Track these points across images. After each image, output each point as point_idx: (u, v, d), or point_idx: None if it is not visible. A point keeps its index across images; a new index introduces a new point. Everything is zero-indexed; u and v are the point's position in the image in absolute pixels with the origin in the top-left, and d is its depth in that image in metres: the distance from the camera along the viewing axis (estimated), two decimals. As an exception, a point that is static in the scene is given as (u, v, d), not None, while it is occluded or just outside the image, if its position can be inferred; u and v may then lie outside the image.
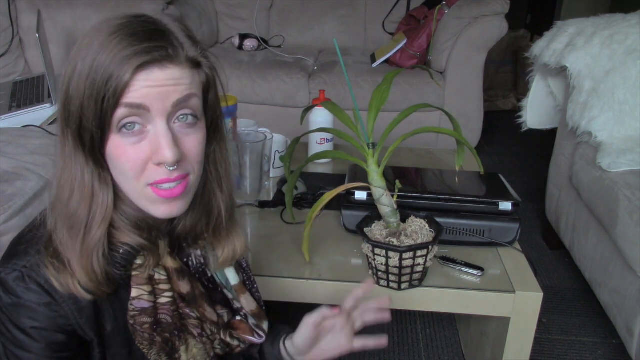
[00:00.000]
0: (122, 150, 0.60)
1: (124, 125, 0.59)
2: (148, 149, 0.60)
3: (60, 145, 0.63)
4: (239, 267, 0.82)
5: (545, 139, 2.23)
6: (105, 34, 0.58)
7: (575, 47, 1.65)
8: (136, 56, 0.57)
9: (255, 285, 0.84)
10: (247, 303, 0.78)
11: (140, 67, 0.57)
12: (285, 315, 1.52)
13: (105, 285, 0.64)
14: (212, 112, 0.67)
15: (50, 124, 1.62)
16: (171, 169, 0.60)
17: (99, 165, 0.62)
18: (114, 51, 0.57)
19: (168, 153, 0.59)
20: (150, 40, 0.58)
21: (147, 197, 0.62)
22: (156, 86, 0.58)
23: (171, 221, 0.71)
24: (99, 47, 0.58)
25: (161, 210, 0.63)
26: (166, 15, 0.57)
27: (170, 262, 0.70)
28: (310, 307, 0.90)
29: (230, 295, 0.78)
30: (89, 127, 0.59)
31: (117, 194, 0.65)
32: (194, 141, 0.63)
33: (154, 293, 0.68)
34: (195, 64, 0.62)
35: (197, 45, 0.63)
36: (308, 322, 0.77)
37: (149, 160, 0.60)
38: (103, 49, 0.57)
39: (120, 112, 0.58)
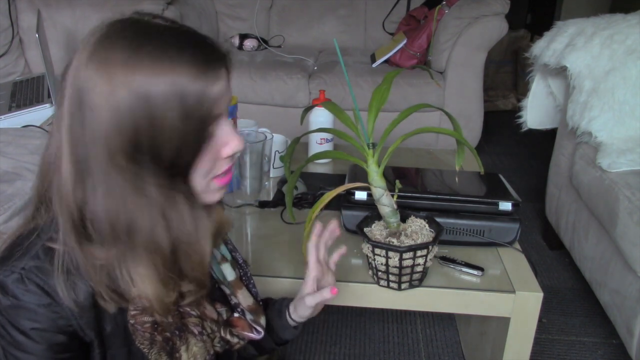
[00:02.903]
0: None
1: None
2: (215, 149, 0.63)
3: (132, 187, 0.60)
4: (235, 263, 0.83)
5: (545, 139, 2.23)
6: (166, 46, 0.58)
7: (575, 47, 1.65)
8: (212, 67, 0.60)
9: (252, 281, 0.85)
10: (243, 298, 0.80)
11: (218, 76, 0.60)
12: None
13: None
14: None
15: (50, 124, 1.62)
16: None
17: (173, 188, 0.63)
18: (188, 66, 0.58)
19: (240, 142, 0.64)
20: (211, 49, 0.61)
21: (211, 188, 0.66)
22: (228, 92, 0.63)
23: None
24: (171, 64, 0.57)
25: (217, 196, 0.68)
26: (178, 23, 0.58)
27: None
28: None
29: (227, 291, 0.79)
30: (186, 154, 0.61)
31: None
32: None
33: None
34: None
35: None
36: (309, 305, 0.84)
37: (217, 158, 0.64)
38: (177, 64, 0.57)
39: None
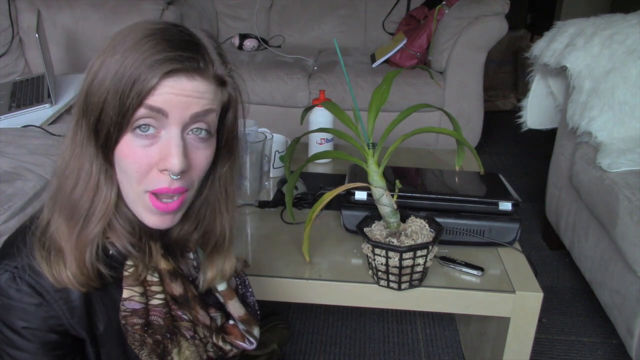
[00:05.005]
0: (131, 150, 0.60)
1: (139, 126, 0.60)
2: (157, 154, 0.60)
3: (72, 133, 0.63)
4: None
5: (545, 139, 2.23)
6: (140, 35, 0.59)
7: (575, 47, 1.65)
8: (168, 62, 0.58)
9: (250, 289, 0.83)
10: (234, 309, 0.78)
11: (170, 73, 0.58)
12: (285, 315, 1.52)
13: (94, 281, 0.64)
14: (227, 132, 0.68)
15: (50, 124, 1.62)
16: (175, 177, 0.61)
17: (107, 161, 0.62)
18: (146, 53, 0.58)
19: (176, 161, 0.59)
20: (185, 50, 0.59)
21: (144, 203, 0.63)
22: (180, 95, 0.59)
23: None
24: (132, 46, 0.58)
25: (153, 220, 0.64)
26: (202, 30, 0.60)
27: (163, 264, 0.69)
28: (310, 307, 0.90)
29: (221, 299, 0.78)
30: (107, 122, 0.59)
31: (119, 195, 0.65)
32: (202, 156, 0.64)
33: (146, 294, 0.68)
34: (220, 82, 0.64)
35: (227, 65, 0.65)
36: None
37: (155, 165, 0.61)
38: (136, 49, 0.58)
39: (140, 112, 0.59)
